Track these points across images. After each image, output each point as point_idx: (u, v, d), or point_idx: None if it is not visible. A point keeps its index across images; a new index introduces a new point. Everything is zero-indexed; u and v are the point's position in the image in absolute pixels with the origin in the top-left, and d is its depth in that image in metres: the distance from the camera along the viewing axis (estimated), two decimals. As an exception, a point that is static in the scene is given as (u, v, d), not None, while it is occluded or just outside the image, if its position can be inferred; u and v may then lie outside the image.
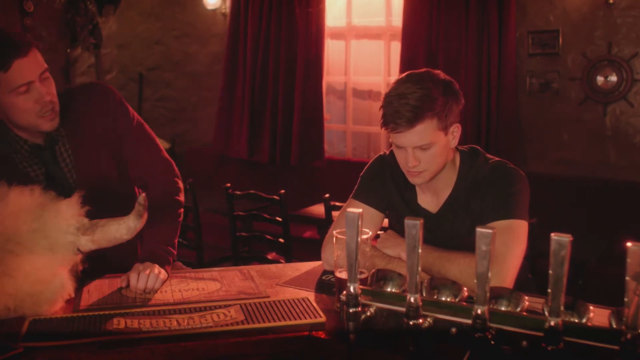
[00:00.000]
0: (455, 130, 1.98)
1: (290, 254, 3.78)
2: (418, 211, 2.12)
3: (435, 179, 2.06)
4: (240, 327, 1.68)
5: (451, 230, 2.07)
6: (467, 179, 2.06)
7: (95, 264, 1.96)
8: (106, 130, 2.17)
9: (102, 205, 1.92)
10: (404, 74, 1.99)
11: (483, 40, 5.07)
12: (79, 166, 2.14)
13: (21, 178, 1.97)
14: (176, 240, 2.20)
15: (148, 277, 1.95)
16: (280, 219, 3.73)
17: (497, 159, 2.10)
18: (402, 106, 1.89)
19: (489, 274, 1.15)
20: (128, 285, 1.96)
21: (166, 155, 2.29)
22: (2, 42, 1.92)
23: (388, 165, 2.19)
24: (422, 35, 5.28)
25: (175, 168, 2.30)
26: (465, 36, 5.12)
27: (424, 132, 1.90)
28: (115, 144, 2.20)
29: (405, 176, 2.11)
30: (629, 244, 1.05)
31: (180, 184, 2.29)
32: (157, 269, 2.00)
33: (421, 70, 2.00)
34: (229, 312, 1.77)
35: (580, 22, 4.91)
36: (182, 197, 2.27)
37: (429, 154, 1.95)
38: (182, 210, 2.25)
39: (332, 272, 2.07)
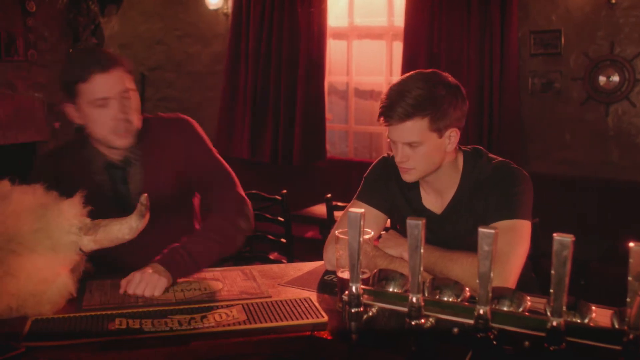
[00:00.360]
0: (453, 135, 1.97)
1: (292, 254, 3.78)
2: (422, 212, 2.12)
3: (438, 180, 2.06)
4: (242, 327, 1.68)
5: (455, 231, 2.07)
6: (470, 179, 2.06)
7: (101, 264, 1.97)
8: (180, 163, 2.21)
9: (157, 231, 2.02)
10: (412, 72, 2.01)
11: (485, 40, 5.07)
12: (146, 192, 2.15)
13: (93, 188, 2.04)
14: (205, 262, 2.10)
15: (145, 287, 1.91)
16: (282, 219, 3.72)
17: (501, 159, 2.09)
18: (397, 102, 1.92)
19: (492, 274, 1.15)
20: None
21: (241, 192, 2.25)
22: (87, 55, 2.05)
23: (392, 167, 2.19)
24: (424, 35, 5.28)
25: (248, 207, 2.22)
26: (467, 36, 5.12)
27: (412, 129, 1.92)
28: (186, 177, 2.23)
29: None
30: (631, 244, 1.05)
31: (246, 225, 2.20)
32: (156, 279, 1.93)
33: (429, 70, 2.01)
34: (231, 312, 1.77)
35: (582, 22, 4.90)
36: (239, 240, 2.18)
37: (418, 153, 1.96)
38: (230, 248, 2.16)
39: (334, 272, 2.07)
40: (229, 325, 1.69)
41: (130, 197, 2.18)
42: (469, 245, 1.76)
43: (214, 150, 2.28)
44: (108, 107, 2.03)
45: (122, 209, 2.09)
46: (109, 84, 2.02)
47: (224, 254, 2.10)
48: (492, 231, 1.13)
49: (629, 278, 1.06)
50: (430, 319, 1.28)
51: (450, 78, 2.00)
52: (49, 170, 2.14)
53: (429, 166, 2.00)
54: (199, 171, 2.22)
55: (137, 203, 2.12)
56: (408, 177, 2.04)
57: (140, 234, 1.88)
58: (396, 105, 1.92)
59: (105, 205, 2.10)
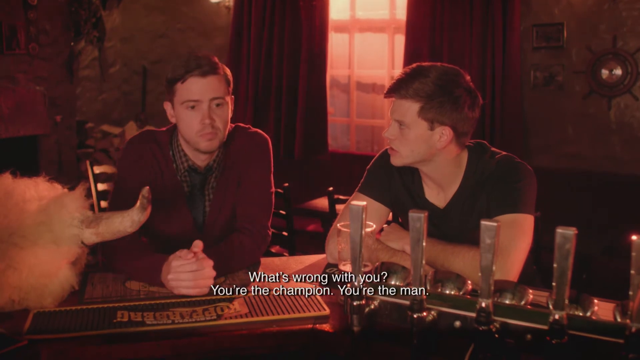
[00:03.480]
0: (445, 133, 1.97)
1: (294, 247, 3.78)
2: (425, 206, 2.12)
3: (439, 174, 2.06)
4: (244, 319, 1.68)
5: (458, 225, 2.07)
6: (474, 174, 2.06)
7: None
8: (242, 175, 2.26)
9: (218, 239, 2.12)
10: (439, 63, 2.05)
11: (487, 34, 5.05)
12: (214, 203, 2.25)
13: (174, 185, 2.20)
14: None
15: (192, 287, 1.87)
16: (284, 212, 3.72)
17: (505, 153, 2.09)
18: (404, 81, 1.98)
19: (494, 267, 1.15)
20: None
21: (269, 224, 2.28)
22: (192, 59, 2.10)
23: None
24: (426, 28, 5.26)
25: (266, 239, 2.25)
26: (469, 29, 5.10)
27: (405, 110, 1.97)
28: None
29: (412, 171, 2.12)
30: (634, 238, 1.05)
31: (261, 254, 2.25)
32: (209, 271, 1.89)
33: (451, 66, 2.03)
34: (233, 304, 1.78)
35: (585, 16, 4.89)
36: (248, 264, 2.17)
37: (404, 136, 1.99)
38: (238, 268, 2.12)
39: (335, 265, 2.07)
40: (230, 318, 1.69)
41: (204, 204, 2.25)
42: (472, 239, 1.76)
43: (272, 173, 2.33)
44: (196, 110, 2.09)
45: (194, 214, 2.23)
46: (203, 89, 2.08)
47: (229, 273, 2.10)
48: (495, 224, 1.13)
49: (632, 271, 1.06)
50: (432, 312, 1.28)
51: (469, 82, 2.01)
52: (137, 156, 2.21)
53: (412, 154, 2.01)
54: (248, 187, 2.26)
55: (205, 212, 2.25)
56: (393, 160, 2.07)
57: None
58: (403, 83, 1.97)
59: (174, 206, 2.21)
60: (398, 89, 1.98)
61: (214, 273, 1.89)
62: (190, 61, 2.08)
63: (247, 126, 2.34)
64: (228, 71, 2.18)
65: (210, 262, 1.89)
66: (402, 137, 1.99)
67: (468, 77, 2.02)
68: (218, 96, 2.10)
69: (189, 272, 1.85)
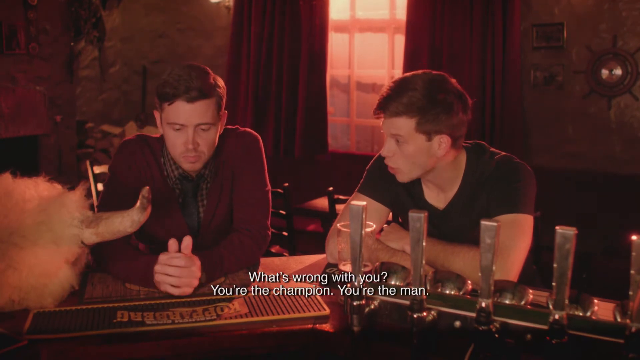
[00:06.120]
0: (443, 141, 1.95)
1: (294, 247, 3.78)
2: (424, 207, 2.12)
3: (438, 177, 2.06)
4: (244, 319, 1.68)
5: (458, 226, 2.07)
6: (473, 176, 2.06)
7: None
8: (236, 178, 2.25)
9: (214, 244, 2.09)
10: (421, 71, 2.01)
11: (487, 34, 5.05)
12: (208, 208, 2.24)
13: (166, 191, 2.18)
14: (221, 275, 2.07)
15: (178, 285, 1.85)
16: (284, 212, 3.72)
17: (504, 153, 2.09)
18: (392, 98, 1.94)
19: (494, 267, 1.15)
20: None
21: (268, 223, 2.26)
22: (179, 80, 2.01)
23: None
24: (426, 28, 5.26)
25: (266, 239, 2.23)
26: (469, 29, 5.10)
27: (400, 126, 1.94)
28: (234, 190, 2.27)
29: None
30: (634, 238, 1.05)
31: (262, 253, 2.24)
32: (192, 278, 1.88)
33: (436, 72, 2.00)
34: (233, 304, 1.78)
35: (585, 15, 4.89)
36: (249, 264, 2.17)
37: (403, 151, 1.97)
38: (239, 268, 2.12)
39: (336, 265, 2.07)
40: (230, 318, 1.69)
41: (198, 210, 2.23)
42: (472, 240, 1.76)
43: (266, 172, 2.29)
44: (181, 132, 2.05)
45: (188, 220, 2.21)
46: (189, 114, 2.02)
47: (229, 272, 2.09)
48: (495, 224, 1.13)
49: (632, 271, 1.06)
50: (432, 312, 1.28)
51: (456, 85, 1.98)
52: (129, 159, 2.19)
53: (413, 167, 1.99)
54: (242, 188, 2.24)
55: (199, 218, 2.24)
56: (398, 177, 2.05)
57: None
58: (391, 100, 1.94)
59: (167, 212, 2.19)
60: (387, 106, 1.95)
61: (199, 274, 1.87)
62: (180, 84, 2.01)
63: (234, 127, 2.30)
64: (222, 89, 2.10)
65: (198, 262, 1.88)
66: (401, 153, 1.97)
67: (454, 80, 2.00)
68: (204, 122, 2.04)
69: (176, 266, 1.83)
